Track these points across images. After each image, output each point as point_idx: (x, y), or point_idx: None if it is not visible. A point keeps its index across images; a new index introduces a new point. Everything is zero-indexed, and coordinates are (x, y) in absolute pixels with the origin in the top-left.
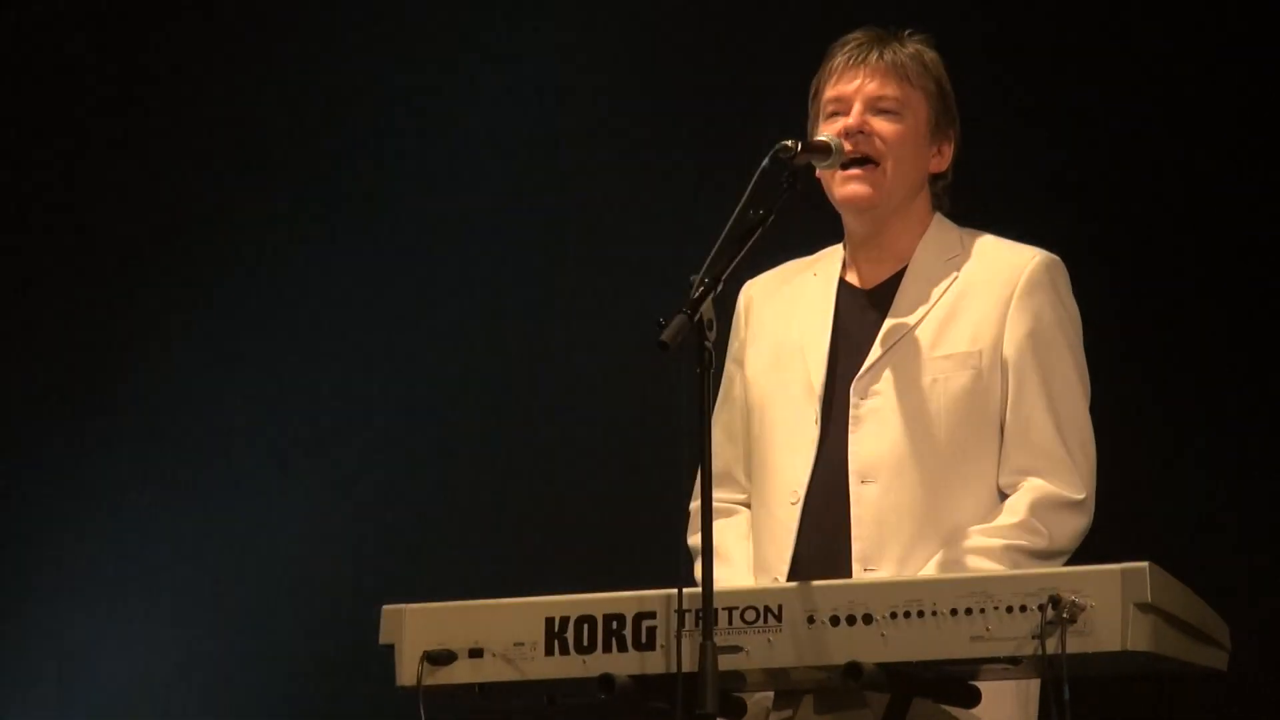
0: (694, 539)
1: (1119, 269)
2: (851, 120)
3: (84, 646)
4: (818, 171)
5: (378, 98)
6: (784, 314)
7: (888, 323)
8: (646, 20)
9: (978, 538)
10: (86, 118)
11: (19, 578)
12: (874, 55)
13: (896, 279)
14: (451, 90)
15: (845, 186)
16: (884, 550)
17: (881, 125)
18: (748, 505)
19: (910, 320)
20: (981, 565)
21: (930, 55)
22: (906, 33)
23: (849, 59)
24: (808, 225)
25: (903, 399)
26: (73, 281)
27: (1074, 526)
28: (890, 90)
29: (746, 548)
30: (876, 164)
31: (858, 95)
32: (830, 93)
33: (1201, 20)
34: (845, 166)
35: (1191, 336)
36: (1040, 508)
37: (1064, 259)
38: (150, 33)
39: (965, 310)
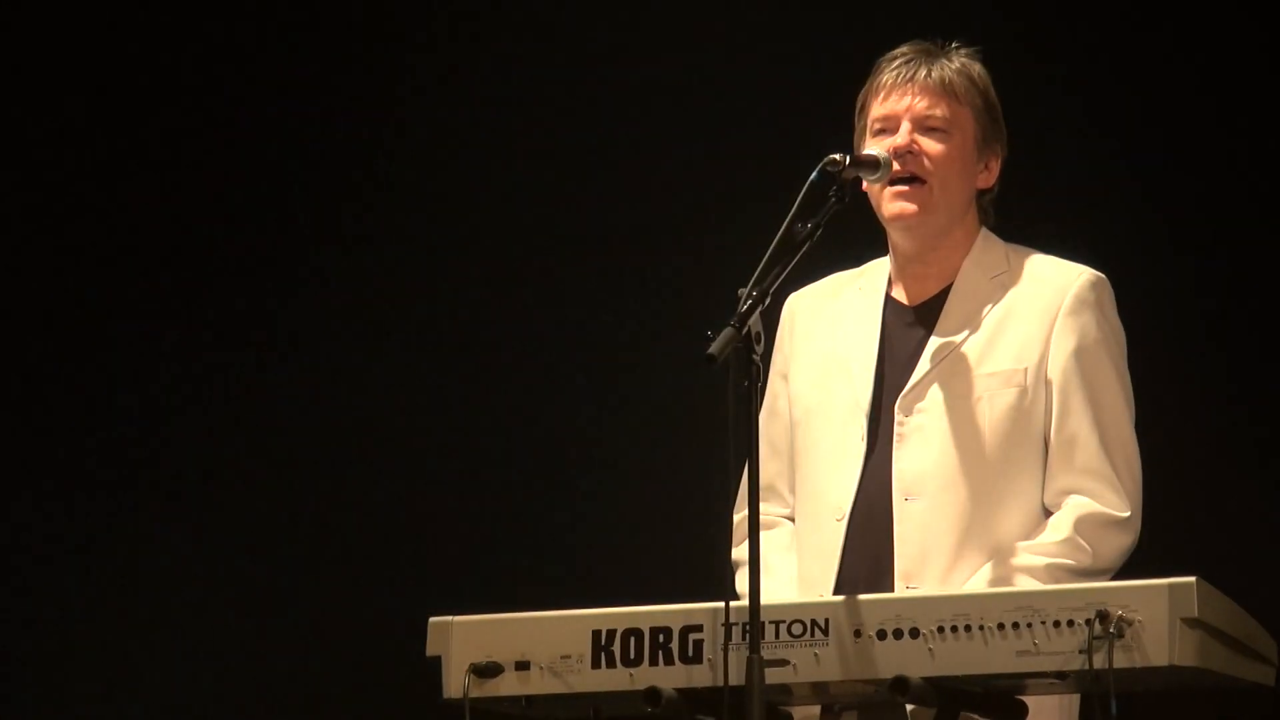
0: (737, 551)
1: (1163, 281)
2: (900, 140)
3: (118, 659)
4: (865, 187)
5: (414, 100)
6: (830, 329)
7: (933, 341)
8: (689, 26)
9: (1023, 555)
10: (77, 122)
11: (54, 592)
12: (922, 72)
13: (942, 296)
14: (500, 93)
15: (893, 204)
16: (927, 567)
17: (930, 145)
18: (791, 519)
19: (956, 338)
20: (1025, 583)
21: (977, 69)
22: (953, 46)
23: (896, 76)
24: (853, 238)
25: (947, 417)
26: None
27: (1119, 544)
28: (938, 109)
29: (789, 560)
30: (924, 182)
31: (906, 114)
32: (878, 110)
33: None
34: (893, 183)
35: (1238, 348)
36: (1085, 525)
37: (1106, 272)
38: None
39: (1010, 328)
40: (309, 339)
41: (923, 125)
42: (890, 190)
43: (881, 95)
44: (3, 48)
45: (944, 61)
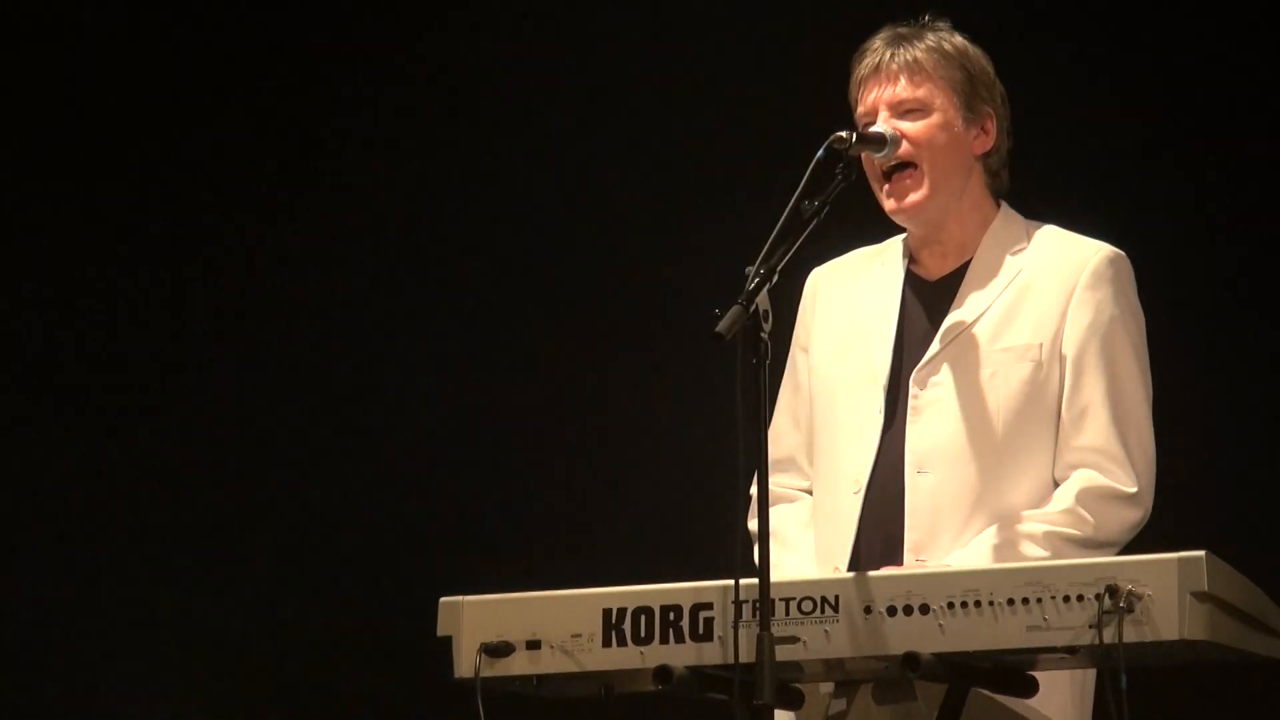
0: (754, 523)
1: (1181, 258)
2: None
3: (125, 639)
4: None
5: (429, 88)
6: (851, 303)
7: (950, 316)
8: (696, 14)
9: (1026, 523)
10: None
11: (67, 576)
12: (887, 57)
13: (961, 271)
14: (505, 84)
15: (889, 200)
16: (936, 540)
17: (909, 127)
18: (810, 492)
19: (973, 313)
20: (1025, 550)
21: (953, 41)
22: (925, 19)
23: (867, 68)
24: (868, 212)
25: (961, 391)
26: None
27: (1123, 518)
28: (909, 91)
29: (808, 534)
30: (914, 165)
31: (881, 105)
32: (859, 107)
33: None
34: (886, 177)
35: (1252, 324)
36: (1088, 496)
37: (1126, 250)
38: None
39: (1028, 303)
40: (322, 319)
41: (898, 110)
42: (886, 188)
43: (859, 90)
44: None
45: (913, 43)
